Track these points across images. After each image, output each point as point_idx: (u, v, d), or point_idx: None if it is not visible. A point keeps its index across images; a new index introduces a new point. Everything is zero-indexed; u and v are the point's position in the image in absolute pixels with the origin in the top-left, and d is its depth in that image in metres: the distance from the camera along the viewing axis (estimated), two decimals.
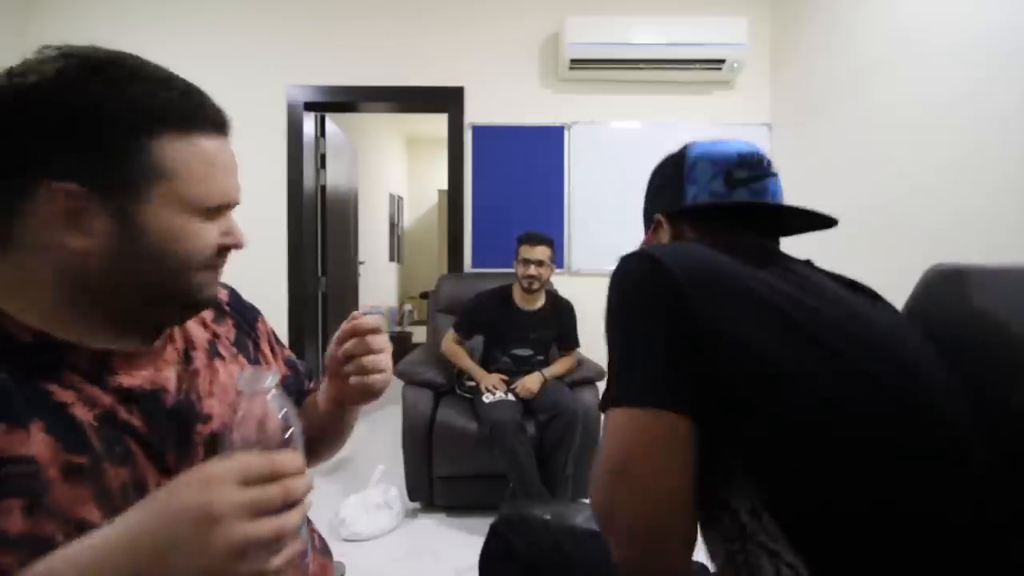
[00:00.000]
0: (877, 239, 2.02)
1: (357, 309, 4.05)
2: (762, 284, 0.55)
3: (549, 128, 2.85)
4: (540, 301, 2.25)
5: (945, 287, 0.64)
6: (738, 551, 0.52)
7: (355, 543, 1.82)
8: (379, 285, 5.58)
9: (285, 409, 0.45)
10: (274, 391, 0.44)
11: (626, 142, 2.84)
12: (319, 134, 3.05)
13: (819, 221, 0.69)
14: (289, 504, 0.40)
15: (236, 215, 0.57)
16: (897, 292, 0.69)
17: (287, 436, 0.44)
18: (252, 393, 0.43)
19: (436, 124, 3.48)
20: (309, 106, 2.88)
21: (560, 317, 2.28)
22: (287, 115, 2.84)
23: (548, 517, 0.83)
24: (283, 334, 2.86)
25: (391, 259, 6.31)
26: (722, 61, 2.65)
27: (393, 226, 6.37)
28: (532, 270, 2.15)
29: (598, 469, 0.54)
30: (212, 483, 0.38)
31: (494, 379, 2.08)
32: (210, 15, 2.84)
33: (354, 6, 2.84)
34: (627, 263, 0.59)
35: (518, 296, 2.23)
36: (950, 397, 0.53)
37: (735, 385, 0.51)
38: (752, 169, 0.69)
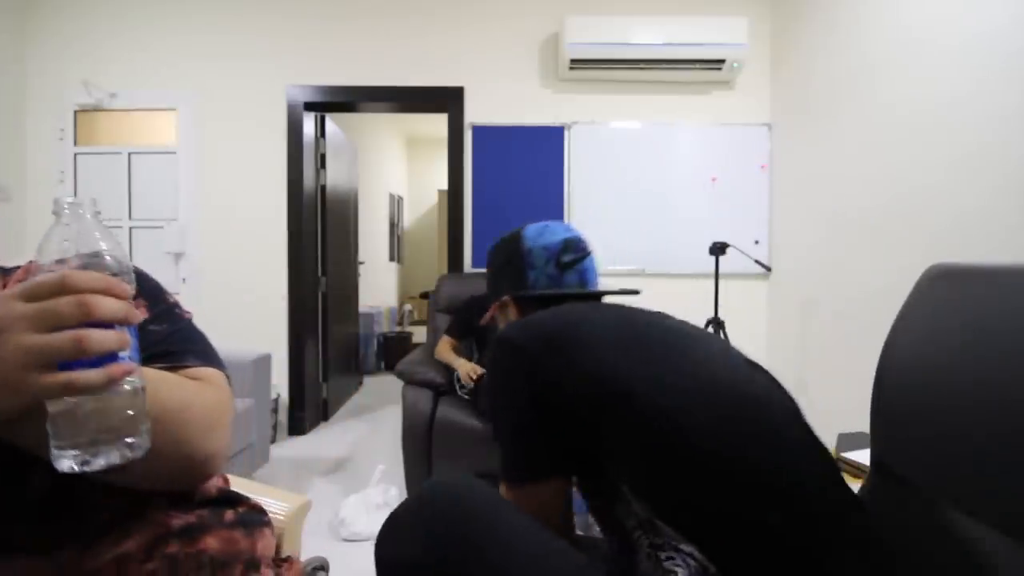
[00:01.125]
0: (877, 239, 2.02)
1: (357, 309, 4.00)
2: (609, 315, 0.66)
3: (549, 128, 2.85)
4: None
5: (943, 286, 0.64)
6: (657, 560, 0.58)
7: (355, 543, 1.82)
8: (379, 285, 5.58)
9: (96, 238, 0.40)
10: (89, 218, 0.40)
11: (626, 142, 2.84)
12: (319, 134, 3.05)
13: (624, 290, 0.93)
14: (95, 320, 0.36)
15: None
16: (897, 292, 0.68)
17: (107, 266, 0.39)
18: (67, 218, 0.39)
19: (436, 124, 3.48)
20: (309, 106, 2.88)
21: None
22: (287, 115, 2.84)
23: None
24: (283, 334, 2.86)
25: (391, 259, 6.31)
26: (722, 61, 2.65)
27: (393, 226, 6.38)
28: None
29: None
30: None
31: (469, 367, 2.07)
32: (210, 15, 2.84)
33: (354, 6, 2.84)
34: (494, 351, 0.68)
35: None
36: (781, 399, 0.61)
37: (599, 421, 0.58)
38: (575, 252, 0.89)
